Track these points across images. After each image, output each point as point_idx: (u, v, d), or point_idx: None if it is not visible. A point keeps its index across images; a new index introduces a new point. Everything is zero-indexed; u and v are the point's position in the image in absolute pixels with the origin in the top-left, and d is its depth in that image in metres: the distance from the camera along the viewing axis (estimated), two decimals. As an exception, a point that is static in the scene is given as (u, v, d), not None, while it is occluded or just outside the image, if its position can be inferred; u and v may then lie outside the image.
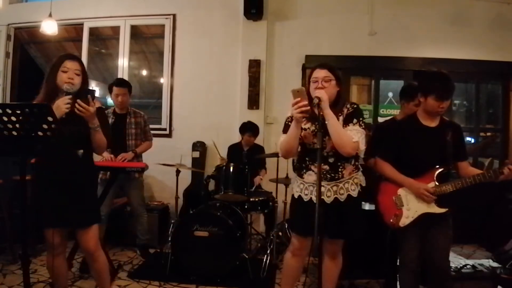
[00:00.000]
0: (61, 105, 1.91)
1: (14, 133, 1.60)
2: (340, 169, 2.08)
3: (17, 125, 1.58)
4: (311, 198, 2.10)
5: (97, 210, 2.27)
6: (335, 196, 2.06)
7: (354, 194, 2.10)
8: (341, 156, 2.03)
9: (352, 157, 2.09)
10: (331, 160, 2.06)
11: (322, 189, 2.04)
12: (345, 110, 2.08)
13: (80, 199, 2.06)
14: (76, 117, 1.94)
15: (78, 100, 1.91)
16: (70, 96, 1.94)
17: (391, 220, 2.18)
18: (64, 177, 2.02)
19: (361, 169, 2.19)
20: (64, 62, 2.04)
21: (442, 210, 2.12)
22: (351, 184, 2.10)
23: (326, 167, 2.06)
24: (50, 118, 1.60)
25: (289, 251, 2.28)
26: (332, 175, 2.06)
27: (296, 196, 2.18)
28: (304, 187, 2.13)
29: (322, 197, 2.04)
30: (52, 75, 2.05)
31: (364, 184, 2.17)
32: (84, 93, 1.96)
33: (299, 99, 1.87)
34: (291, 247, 2.26)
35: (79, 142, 2.05)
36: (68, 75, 2.02)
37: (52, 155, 1.97)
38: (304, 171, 2.13)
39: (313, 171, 2.09)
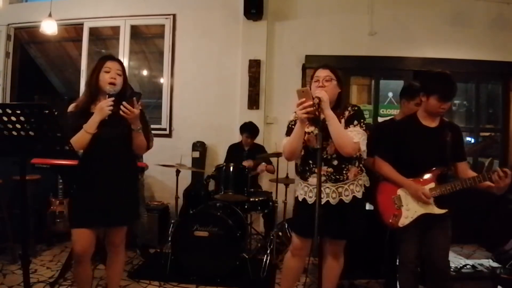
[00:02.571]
0: (104, 107, 1.95)
1: (14, 133, 1.60)
2: (344, 171, 2.08)
3: (17, 125, 1.58)
4: (315, 200, 2.09)
5: (138, 208, 2.39)
6: (340, 197, 2.07)
7: (359, 195, 2.11)
8: (344, 158, 2.04)
9: (356, 158, 2.10)
10: (335, 162, 2.06)
11: (328, 190, 2.06)
12: (347, 113, 2.09)
13: (124, 198, 2.11)
14: (117, 118, 1.97)
15: (124, 103, 1.93)
16: (113, 98, 1.97)
17: (390, 220, 2.18)
18: (109, 177, 2.05)
19: (364, 171, 2.20)
20: (106, 63, 2.07)
21: (442, 211, 2.12)
22: (356, 185, 2.10)
23: (331, 169, 2.07)
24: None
25: (289, 251, 2.28)
26: (337, 177, 2.07)
27: (300, 199, 2.18)
28: (309, 189, 2.13)
29: (328, 198, 2.06)
30: (94, 76, 2.07)
31: (368, 185, 2.18)
32: (129, 95, 1.98)
33: (303, 99, 1.87)
34: (291, 247, 2.27)
35: (122, 144, 2.08)
36: (110, 75, 2.05)
37: (96, 156, 2.01)
38: (308, 174, 2.13)
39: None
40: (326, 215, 1.82)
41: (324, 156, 2.04)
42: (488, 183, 2.02)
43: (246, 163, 3.75)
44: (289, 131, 2.14)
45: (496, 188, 2.01)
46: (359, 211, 2.15)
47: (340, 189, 2.07)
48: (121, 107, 1.94)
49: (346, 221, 2.07)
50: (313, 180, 2.10)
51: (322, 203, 2.06)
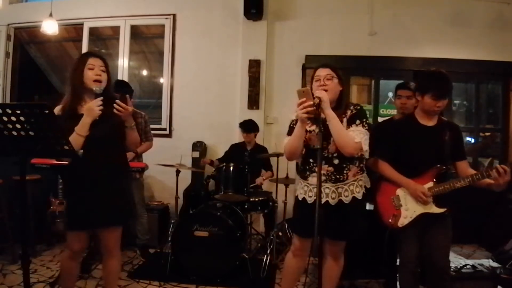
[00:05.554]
0: (94, 108, 1.91)
1: (14, 133, 1.60)
2: (345, 171, 2.07)
3: (17, 125, 1.58)
4: (315, 200, 2.08)
5: (131, 208, 2.32)
6: (340, 198, 2.06)
7: (359, 196, 2.09)
8: (345, 158, 2.03)
9: (357, 158, 2.09)
10: (336, 161, 2.05)
11: (327, 190, 2.05)
12: (349, 112, 2.09)
13: (117, 196, 2.06)
14: (106, 116, 1.95)
15: (117, 101, 1.92)
16: (101, 98, 1.93)
17: (390, 221, 2.17)
18: (101, 177, 2.00)
19: (365, 171, 2.19)
20: (88, 60, 2.03)
21: (441, 210, 2.12)
22: (356, 186, 2.09)
23: (331, 168, 2.06)
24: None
25: (290, 252, 2.28)
26: (337, 176, 2.05)
27: (300, 198, 2.18)
28: (309, 189, 2.12)
29: (327, 198, 2.05)
30: (77, 74, 2.01)
31: (368, 186, 2.17)
32: (122, 93, 1.97)
33: (304, 99, 1.87)
34: (292, 248, 2.27)
35: (112, 142, 2.05)
36: (95, 72, 2.01)
37: (88, 156, 1.94)
38: (308, 173, 2.12)
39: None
40: (325, 215, 1.82)
41: (325, 155, 2.04)
42: (488, 180, 2.01)
43: (259, 181, 3.81)
44: (290, 131, 2.13)
45: (495, 186, 2.00)
46: (359, 212, 2.13)
47: (339, 190, 2.06)
48: (115, 105, 1.92)
49: (345, 222, 2.06)
50: (312, 179, 2.10)
51: (322, 203, 2.06)
